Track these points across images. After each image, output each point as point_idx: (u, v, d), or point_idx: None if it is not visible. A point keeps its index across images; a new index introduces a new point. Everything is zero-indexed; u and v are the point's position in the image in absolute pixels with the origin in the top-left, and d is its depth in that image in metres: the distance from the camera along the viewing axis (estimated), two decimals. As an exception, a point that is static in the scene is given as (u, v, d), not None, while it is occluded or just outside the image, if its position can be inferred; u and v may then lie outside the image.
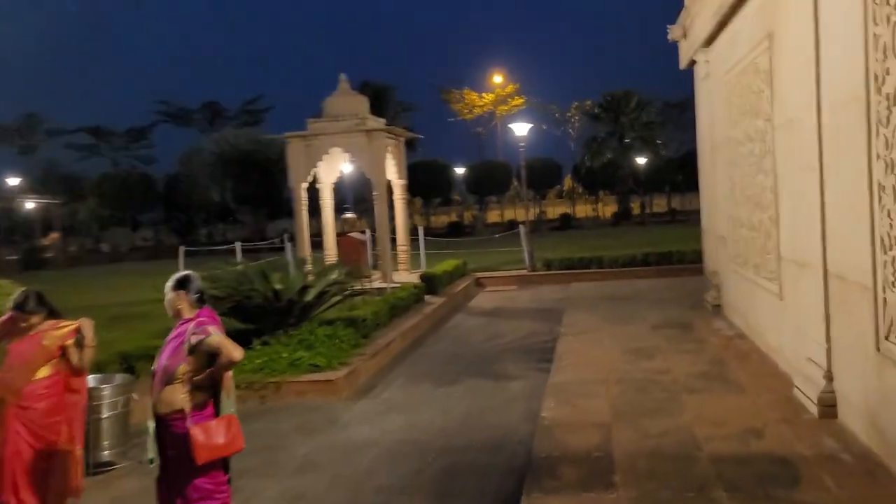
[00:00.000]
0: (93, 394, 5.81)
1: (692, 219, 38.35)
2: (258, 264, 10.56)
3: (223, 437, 3.83)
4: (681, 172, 46.69)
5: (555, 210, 56.43)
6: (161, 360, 3.91)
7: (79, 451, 4.64)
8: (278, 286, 9.21)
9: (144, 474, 3.99)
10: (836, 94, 5.15)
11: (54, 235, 48.43)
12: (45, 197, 45.54)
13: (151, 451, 3.87)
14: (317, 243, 16.77)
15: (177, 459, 3.80)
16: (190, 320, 3.94)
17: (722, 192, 10.11)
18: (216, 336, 3.84)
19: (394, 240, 17.04)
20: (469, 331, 11.84)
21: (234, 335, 9.09)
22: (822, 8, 5.34)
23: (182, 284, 4.03)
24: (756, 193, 7.94)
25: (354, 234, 15.90)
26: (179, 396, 3.82)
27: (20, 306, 4.54)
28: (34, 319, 4.55)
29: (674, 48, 12.63)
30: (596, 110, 51.68)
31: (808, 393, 5.74)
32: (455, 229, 45.84)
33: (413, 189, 47.72)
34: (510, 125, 20.49)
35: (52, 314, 4.66)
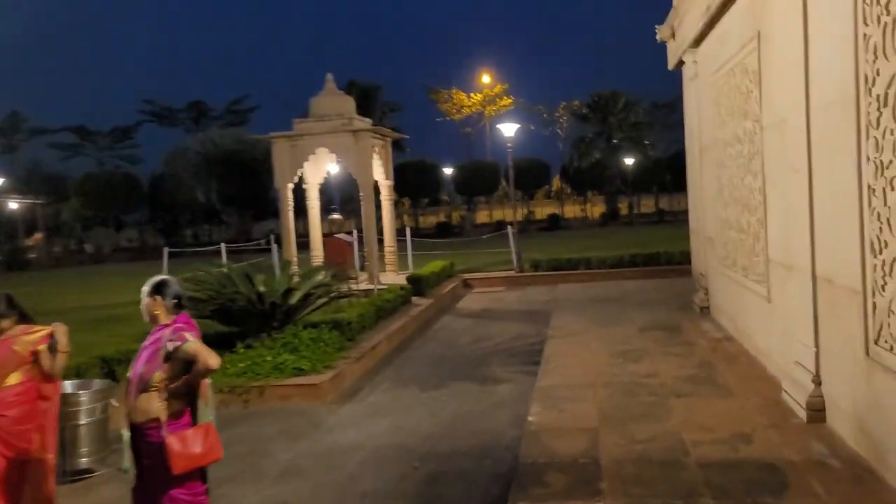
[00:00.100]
0: (70, 400, 5.70)
1: (680, 219, 38.44)
2: (241, 266, 10.41)
3: (200, 447, 3.73)
4: (669, 173, 46.77)
5: (543, 210, 56.41)
6: (136, 368, 3.81)
7: (51, 458, 4.52)
8: (262, 288, 9.09)
9: (123, 482, 3.89)
10: (825, 95, 5.10)
11: (38, 236, 47.91)
12: (29, 197, 45.04)
13: (126, 461, 3.77)
14: (303, 244, 16.64)
15: (152, 469, 3.70)
16: (166, 326, 3.84)
17: (710, 194, 10.07)
18: (193, 343, 3.74)
19: (381, 241, 16.95)
20: (456, 333, 11.75)
21: (217, 338, 9.11)
22: (812, 8, 5.29)
23: (159, 289, 3.92)
24: (744, 195, 7.90)
25: (341, 236, 15.77)
26: (155, 405, 3.72)
27: None
28: (4, 324, 4.42)
29: (662, 48, 12.60)
30: (584, 110, 51.74)
31: (796, 397, 5.69)
32: (443, 230, 45.72)
33: (401, 189, 47.69)
34: (498, 125, 20.42)
35: (24, 318, 4.53)
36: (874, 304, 4.41)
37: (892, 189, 4.09)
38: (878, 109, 4.23)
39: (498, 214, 55.20)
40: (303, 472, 5.86)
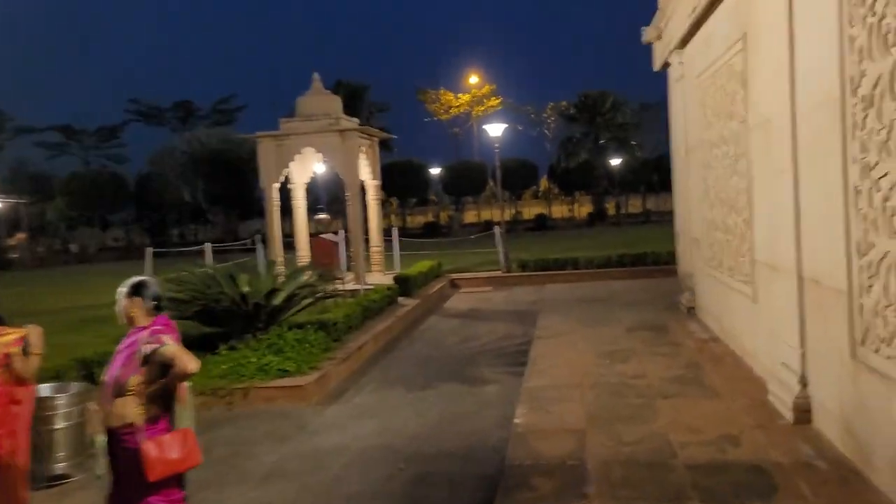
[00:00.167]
0: (47, 403, 5.60)
1: (667, 219, 38.49)
2: (225, 266, 10.32)
3: (178, 452, 3.64)
4: (656, 173, 46.96)
5: (531, 210, 56.47)
6: (112, 371, 3.72)
7: (24, 464, 4.42)
8: (246, 289, 8.99)
9: (100, 488, 3.80)
10: (810, 96, 5.09)
11: (21, 235, 47.45)
12: (13, 196, 44.59)
13: (100, 467, 3.68)
14: (290, 244, 16.54)
15: (128, 476, 3.61)
16: (144, 328, 3.75)
17: (696, 194, 10.07)
18: (171, 346, 3.65)
19: (368, 241, 16.87)
20: (443, 333, 11.70)
21: (200, 339, 9.01)
22: (797, 9, 5.28)
23: (137, 290, 3.83)
24: (730, 196, 7.90)
25: (327, 235, 15.68)
26: (131, 409, 3.63)
27: None
28: None
29: (649, 50, 12.59)
30: (571, 111, 51.86)
31: (782, 398, 5.68)
32: (431, 230, 45.70)
33: (389, 189, 47.63)
34: (485, 126, 20.39)
35: None
36: (860, 306, 4.39)
37: (879, 190, 4.07)
38: (864, 110, 4.21)
39: (486, 214, 55.24)
40: (287, 474, 5.79)
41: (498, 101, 54.53)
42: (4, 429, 4.33)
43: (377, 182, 17.13)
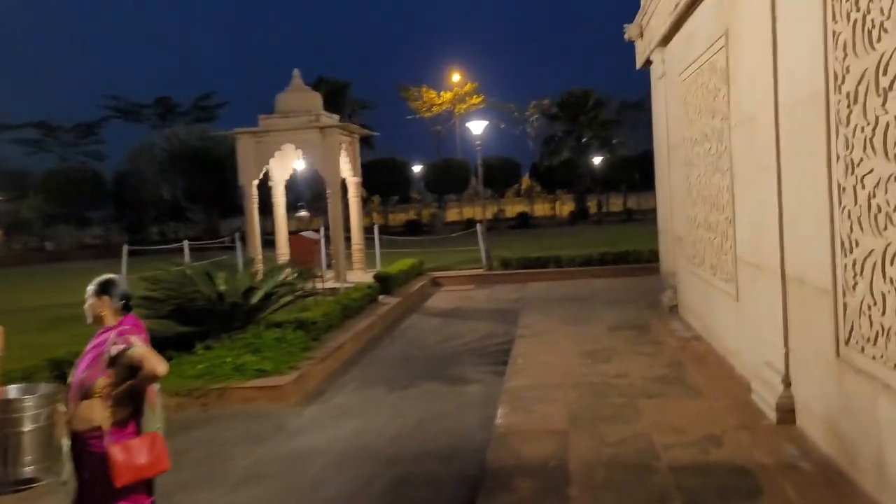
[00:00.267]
0: (14, 405, 5.44)
1: (648, 218, 38.66)
2: (201, 265, 10.16)
3: (146, 457, 3.51)
4: (637, 172, 47.07)
5: (513, 209, 56.37)
6: (77, 372, 3.58)
7: None
8: (222, 288, 8.84)
9: (67, 493, 3.66)
10: (794, 93, 5.03)
11: (-4, 233, 46.77)
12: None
13: (66, 472, 3.54)
14: (270, 242, 16.37)
15: (94, 482, 3.48)
16: (111, 328, 3.62)
17: (678, 193, 10.04)
18: (139, 347, 3.52)
19: (349, 238, 16.73)
20: (424, 332, 11.60)
21: (175, 339, 8.84)
22: (780, 5, 5.22)
23: (105, 289, 3.69)
24: (713, 194, 7.86)
25: (307, 233, 15.52)
26: (98, 412, 3.49)
27: None
28: None
29: (631, 48, 12.55)
30: (554, 109, 51.88)
31: (766, 398, 5.63)
32: (413, 228, 45.53)
33: (371, 187, 47.49)
34: (467, 124, 20.31)
35: None
36: (845, 305, 4.34)
37: (863, 187, 4.02)
38: (849, 107, 4.16)
39: (468, 212, 55.19)
40: (264, 477, 5.67)
41: (480, 99, 54.46)
42: None
43: (358, 179, 17.01)
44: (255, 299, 9.23)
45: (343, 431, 6.66)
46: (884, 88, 3.72)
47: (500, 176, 48.41)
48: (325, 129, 14.92)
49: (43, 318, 14.11)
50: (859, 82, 4.00)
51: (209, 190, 42.36)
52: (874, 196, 3.89)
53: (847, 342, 4.33)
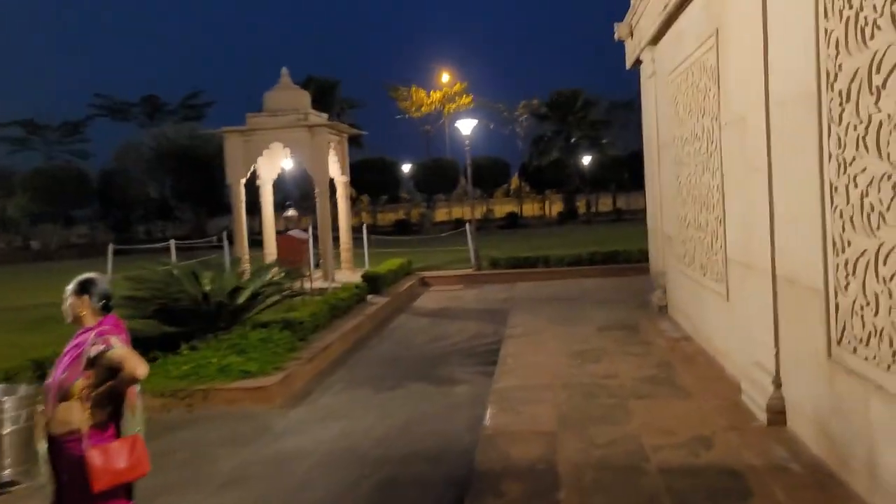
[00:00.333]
0: (-7, 407, 5.31)
1: (637, 218, 38.72)
2: (187, 264, 10.04)
3: (125, 461, 3.42)
4: (627, 171, 47.17)
5: (502, 208, 56.40)
6: (56, 374, 3.48)
7: None
8: (208, 287, 8.72)
9: (44, 497, 3.56)
10: (785, 91, 4.99)
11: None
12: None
13: (43, 476, 3.44)
14: (258, 241, 16.25)
15: (72, 486, 3.38)
16: (91, 329, 3.53)
17: (668, 192, 10.01)
18: (119, 349, 3.43)
19: (337, 238, 16.63)
20: (412, 332, 11.52)
21: (160, 339, 8.72)
22: (771, 3, 5.17)
23: (85, 288, 3.59)
24: (702, 193, 7.82)
25: (294, 232, 15.40)
26: (76, 415, 3.39)
27: None
28: None
29: (621, 47, 12.51)
30: (543, 109, 51.93)
31: (756, 399, 5.58)
32: (402, 227, 45.39)
33: (360, 186, 47.37)
34: (456, 123, 20.24)
35: None
36: (837, 305, 4.30)
37: (856, 186, 3.97)
38: (841, 105, 4.11)
39: (457, 212, 55.18)
40: (248, 480, 5.58)
41: (469, 98, 54.46)
42: None
43: (346, 178, 16.91)
44: (241, 299, 9.11)
45: (329, 433, 6.58)
46: (877, 86, 3.67)
47: (489, 176, 48.41)
48: (314, 128, 14.82)
49: (28, 317, 13.94)
50: (852, 80, 3.95)
51: (197, 189, 42.13)
52: (867, 195, 3.84)
53: (839, 343, 4.29)
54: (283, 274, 10.86)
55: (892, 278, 3.62)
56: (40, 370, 7.51)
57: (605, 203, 55.49)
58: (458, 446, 5.94)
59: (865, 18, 3.75)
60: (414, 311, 13.78)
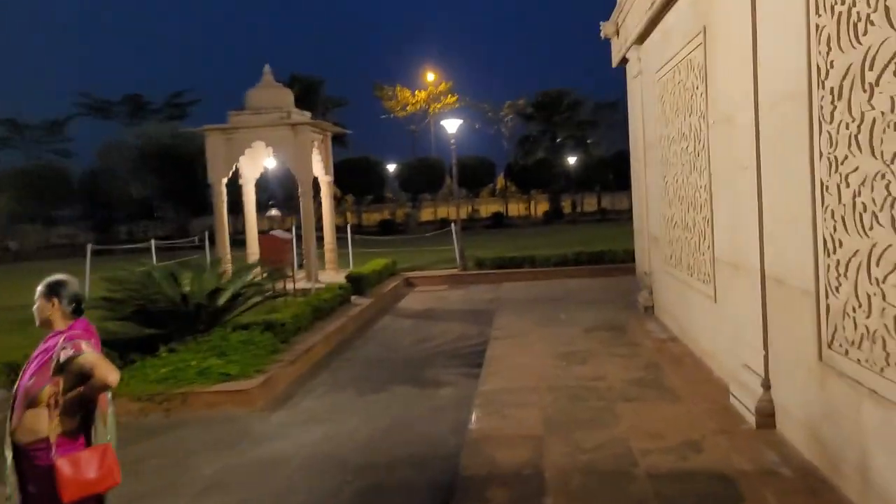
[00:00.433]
0: (-40, 414, 5.12)
1: (622, 218, 38.79)
2: (166, 265, 9.85)
3: (95, 471, 3.28)
4: (611, 172, 47.29)
5: (488, 208, 56.36)
6: (24, 379, 3.34)
7: None
8: (187, 289, 8.54)
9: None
10: (775, 89, 4.91)
11: (-40, 232, 45.60)
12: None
13: (9, 486, 3.29)
14: (241, 241, 16.05)
15: (40, 497, 3.25)
16: (61, 333, 3.38)
17: (654, 192, 9.94)
18: (90, 354, 3.29)
19: (321, 238, 16.47)
20: (397, 333, 11.39)
21: (138, 341, 8.54)
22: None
23: (54, 290, 3.46)
24: (689, 193, 7.75)
25: (277, 232, 15.22)
26: (44, 423, 3.26)
27: None
28: None
29: (607, 46, 12.44)
30: (529, 109, 51.96)
31: (744, 401, 5.50)
32: (387, 227, 45.20)
33: (344, 186, 47.15)
34: (442, 122, 20.13)
35: None
36: (828, 306, 4.22)
37: (848, 186, 3.89)
38: (832, 103, 4.03)
39: (443, 212, 55.01)
40: (227, 487, 5.43)
41: (455, 98, 54.39)
42: None
43: (330, 178, 16.74)
44: (221, 301, 8.94)
45: (311, 437, 6.44)
46: (870, 83, 3.59)
47: (474, 176, 48.38)
48: (297, 127, 14.64)
49: (4, 319, 13.67)
50: (844, 77, 3.87)
51: (180, 188, 41.78)
52: (859, 195, 3.76)
53: (830, 345, 4.21)
54: (265, 274, 10.69)
55: (885, 279, 3.54)
56: (14, 374, 7.30)
57: (590, 203, 55.56)
58: (443, 450, 5.82)
59: (858, 14, 3.67)
60: (398, 313, 13.64)
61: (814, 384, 4.44)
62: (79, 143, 61.10)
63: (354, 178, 46.01)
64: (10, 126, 58.45)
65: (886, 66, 3.44)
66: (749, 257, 5.46)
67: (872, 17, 3.53)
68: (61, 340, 3.34)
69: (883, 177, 3.51)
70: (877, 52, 3.52)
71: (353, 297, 13.38)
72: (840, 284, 4.04)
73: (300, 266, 15.82)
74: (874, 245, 3.63)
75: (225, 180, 14.84)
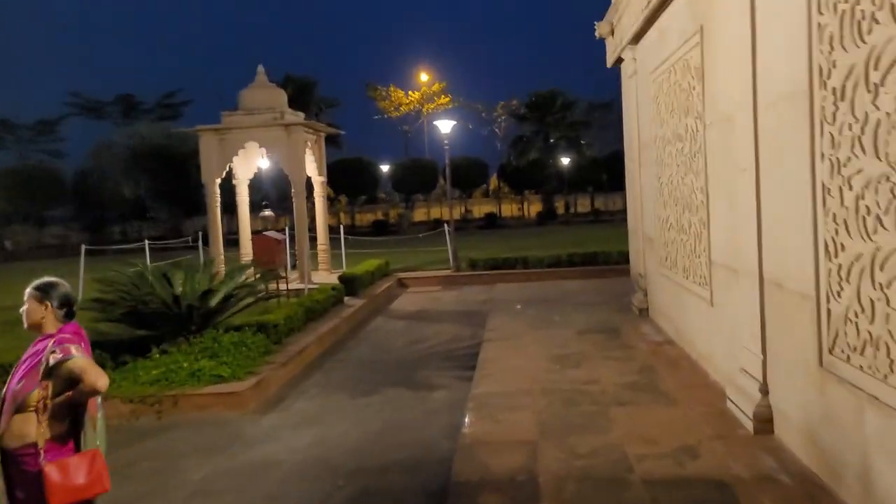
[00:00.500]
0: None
1: (616, 219, 38.77)
2: (159, 265, 9.73)
3: (84, 477, 3.22)
4: (605, 172, 47.26)
5: (481, 209, 56.21)
6: (12, 383, 3.29)
7: None
8: (179, 290, 8.43)
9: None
10: (774, 90, 4.84)
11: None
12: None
13: None
14: (234, 241, 15.93)
15: (27, 503, 3.17)
16: (50, 336, 3.31)
17: (649, 193, 9.88)
18: (79, 359, 3.22)
19: (314, 238, 16.36)
20: (390, 335, 11.30)
21: (130, 343, 8.43)
22: (759, -2, 5.04)
23: (46, 293, 3.40)
24: (685, 194, 7.68)
25: (270, 233, 15.09)
26: (32, 428, 3.20)
27: None
28: None
29: (601, 47, 12.38)
30: (522, 110, 51.90)
31: (742, 406, 5.44)
32: (380, 228, 45.06)
33: (338, 187, 47.01)
34: (435, 122, 20.05)
35: None
36: (828, 311, 4.15)
37: (851, 189, 3.82)
38: (835, 104, 3.97)
39: (436, 213, 54.94)
40: (216, 492, 5.33)
41: (448, 99, 54.34)
42: None
43: (323, 178, 16.64)
44: (213, 302, 8.82)
45: (302, 441, 6.35)
46: (875, 84, 3.52)
47: (468, 176, 48.31)
48: (290, 127, 14.54)
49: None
50: (847, 77, 3.80)
51: (173, 188, 41.56)
52: (863, 198, 3.69)
53: (831, 351, 4.14)
54: (258, 275, 10.59)
55: (889, 285, 3.48)
56: (4, 376, 7.18)
57: (583, 204, 55.52)
58: (436, 455, 5.74)
59: (863, 12, 3.60)
60: (391, 314, 13.55)
61: (813, 390, 4.38)
62: (71, 143, 60.81)
63: (348, 178, 45.87)
64: (3, 126, 58.08)
65: (892, 65, 3.37)
66: (747, 260, 5.40)
67: (877, 15, 3.46)
68: (51, 344, 3.29)
69: (888, 179, 3.44)
70: (882, 51, 3.45)
71: (346, 298, 13.30)
72: (842, 289, 3.97)
73: (293, 267, 15.70)
74: (878, 249, 3.57)
75: (218, 181, 14.73)
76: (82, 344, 3.38)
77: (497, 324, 10.69)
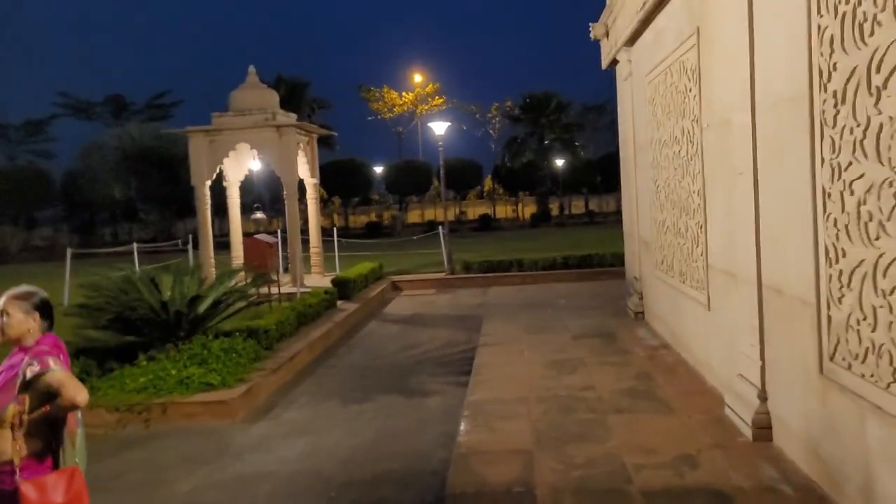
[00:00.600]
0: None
1: (610, 221, 38.71)
2: (146, 269, 9.58)
3: (62, 496, 3.08)
4: (599, 174, 47.26)
5: (475, 210, 56.17)
6: None
7: None
8: (167, 295, 8.29)
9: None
10: (773, 92, 4.75)
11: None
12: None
13: None
14: (225, 244, 15.78)
15: None
16: (27, 349, 3.17)
17: (645, 196, 9.79)
18: (58, 372, 3.08)
19: (307, 241, 16.22)
20: (383, 340, 11.17)
21: (118, 349, 8.28)
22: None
23: (35, 305, 3.26)
24: (682, 198, 7.60)
25: (262, 236, 14.95)
26: (8, 444, 3.05)
27: None
28: None
29: (595, 49, 12.30)
30: (516, 111, 51.87)
31: (740, 413, 5.35)
32: (373, 230, 44.92)
33: (331, 188, 46.83)
34: (429, 124, 19.93)
35: None
36: (829, 318, 4.06)
37: (852, 193, 3.74)
38: (835, 107, 3.88)
39: (430, 214, 54.80)
40: (205, 504, 5.21)
41: (442, 100, 54.24)
42: None
43: (316, 180, 16.51)
44: (202, 307, 8.68)
45: (293, 452, 6.22)
46: (877, 87, 3.44)
47: (462, 178, 48.20)
48: (282, 128, 14.40)
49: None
50: (848, 80, 3.72)
51: (163, 190, 41.34)
52: (864, 203, 3.60)
53: (832, 358, 4.05)
54: (249, 279, 10.44)
55: (893, 292, 3.39)
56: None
57: (577, 206, 55.52)
58: (430, 466, 5.62)
59: (864, 14, 3.52)
60: (385, 318, 13.42)
61: (814, 398, 4.29)
62: (60, 144, 60.47)
63: (341, 179, 45.71)
64: (-9, 127, 57.73)
65: (894, 68, 3.28)
66: (745, 265, 5.31)
67: (879, 17, 3.38)
68: (27, 356, 3.14)
69: (891, 184, 3.35)
70: (884, 53, 3.36)
71: (339, 302, 13.16)
72: (843, 295, 3.89)
73: (285, 270, 15.56)
74: (881, 255, 3.48)
75: (209, 183, 14.57)
76: (61, 356, 3.25)
77: (492, 328, 10.58)
